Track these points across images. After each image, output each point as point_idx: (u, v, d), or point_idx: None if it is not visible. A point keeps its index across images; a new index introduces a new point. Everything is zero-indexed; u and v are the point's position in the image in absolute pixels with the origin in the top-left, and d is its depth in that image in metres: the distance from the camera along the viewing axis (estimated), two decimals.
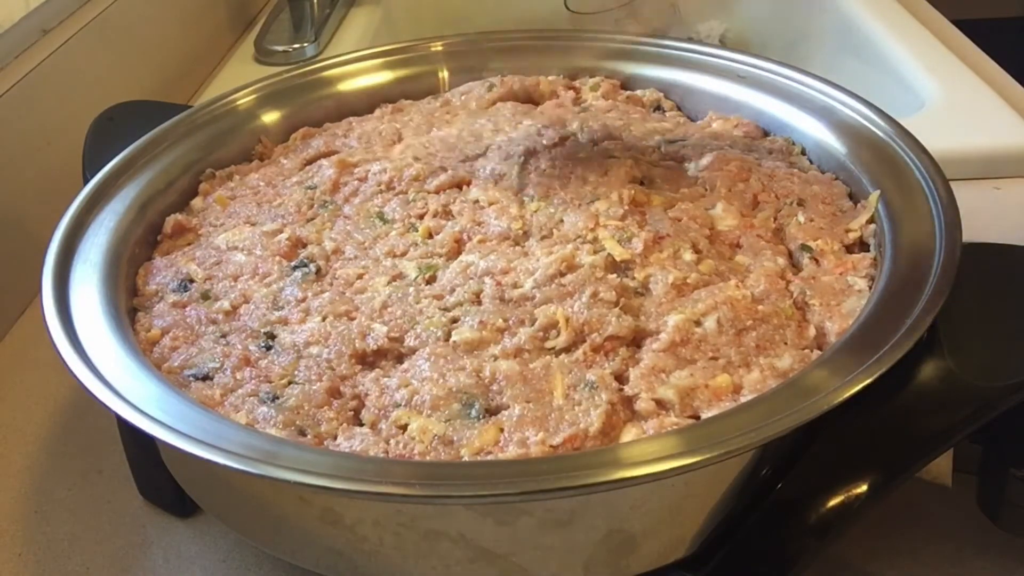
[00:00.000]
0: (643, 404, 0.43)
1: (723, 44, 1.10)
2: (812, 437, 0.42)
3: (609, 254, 0.50)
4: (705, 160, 0.59)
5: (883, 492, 0.41)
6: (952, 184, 0.50)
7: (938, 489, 0.47)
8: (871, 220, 0.53)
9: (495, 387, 0.44)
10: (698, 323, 0.47)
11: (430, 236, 0.54)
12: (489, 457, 0.41)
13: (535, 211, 0.56)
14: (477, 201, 0.57)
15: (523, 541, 0.40)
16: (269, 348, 0.48)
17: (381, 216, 0.56)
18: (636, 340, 0.47)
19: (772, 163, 0.59)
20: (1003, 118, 0.77)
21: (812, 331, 0.47)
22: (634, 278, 0.50)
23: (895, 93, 0.82)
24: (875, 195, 0.53)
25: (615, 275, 0.49)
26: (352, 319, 0.49)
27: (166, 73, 0.95)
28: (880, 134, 0.56)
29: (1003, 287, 0.48)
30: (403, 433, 0.43)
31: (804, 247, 0.52)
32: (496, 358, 0.46)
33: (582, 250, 0.51)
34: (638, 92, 0.69)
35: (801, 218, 0.54)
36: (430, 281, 0.51)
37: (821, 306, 0.48)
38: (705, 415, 0.43)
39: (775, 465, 0.43)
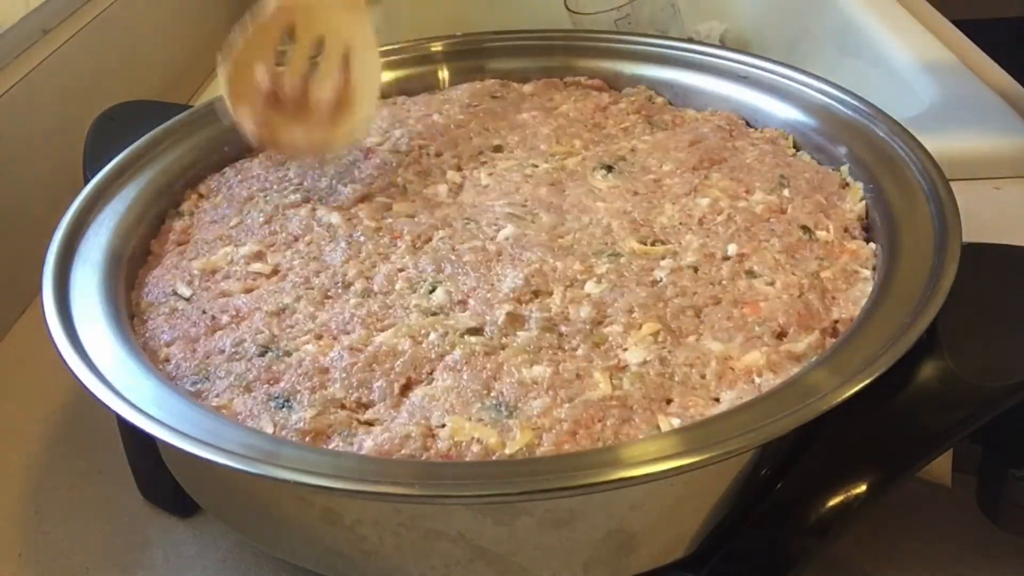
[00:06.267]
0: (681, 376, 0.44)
1: (723, 44, 1.10)
2: (812, 437, 0.42)
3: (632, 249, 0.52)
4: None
5: (883, 492, 0.41)
6: (952, 184, 0.50)
7: (938, 489, 0.47)
8: (862, 198, 0.54)
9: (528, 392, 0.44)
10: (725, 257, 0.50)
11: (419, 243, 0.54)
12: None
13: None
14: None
15: (523, 541, 0.40)
16: (274, 360, 0.47)
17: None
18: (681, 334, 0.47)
19: (759, 149, 0.60)
20: (1003, 118, 0.77)
21: (833, 313, 0.47)
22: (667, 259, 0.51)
23: (895, 93, 0.82)
24: (845, 170, 0.56)
25: (651, 283, 0.49)
26: (364, 339, 0.47)
27: (166, 73, 0.95)
28: (880, 134, 0.56)
29: (1003, 287, 0.48)
30: (440, 431, 0.42)
31: (804, 228, 0.52)
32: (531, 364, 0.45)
33: (602, 258, 0.51)
34: (627, 89, 0.69)
35: (795, 199, 0.55)
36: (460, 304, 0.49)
37: (831, 287, 0.49)
38: (724, 396, 0.43)
39: (775, 465, 0.43)
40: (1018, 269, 0.50)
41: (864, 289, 0.48)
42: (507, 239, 0.53)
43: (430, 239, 0.54)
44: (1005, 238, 0.51)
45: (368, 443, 0.42)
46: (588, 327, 0.47)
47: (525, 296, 0.49)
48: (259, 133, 0.57)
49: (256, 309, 0.50)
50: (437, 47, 0.73)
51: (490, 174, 0.59)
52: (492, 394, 0.43)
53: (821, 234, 0.52)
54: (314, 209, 0.57)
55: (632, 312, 0.47)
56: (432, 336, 0.47)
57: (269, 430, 0.43)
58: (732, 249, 0.51)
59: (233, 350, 0.48)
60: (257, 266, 0.53)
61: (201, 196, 0.61)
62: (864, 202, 0.54)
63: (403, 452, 0.41)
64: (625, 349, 0.45)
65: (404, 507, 0.39)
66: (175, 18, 0.99)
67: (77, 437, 0.59)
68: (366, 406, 0.44)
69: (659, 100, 0.68)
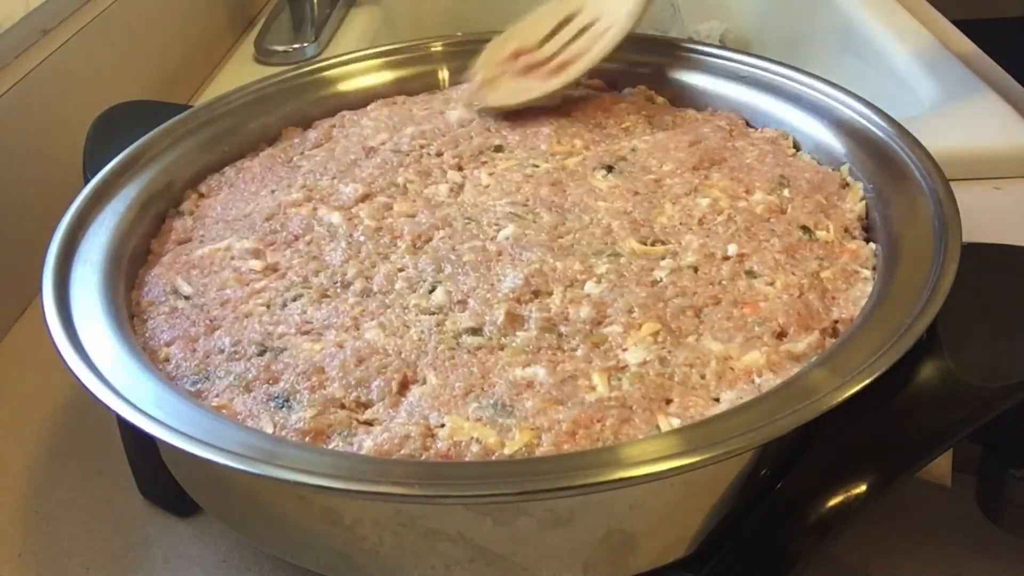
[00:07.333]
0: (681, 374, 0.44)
1: (723, 44, 1.10)
2: (812, 437, 0.42)
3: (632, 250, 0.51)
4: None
5: (883, 492, 0.41)
6: (952, 184, 0.50)
7: (938, 489, 0.47)
8: (863, 198, 0.54)
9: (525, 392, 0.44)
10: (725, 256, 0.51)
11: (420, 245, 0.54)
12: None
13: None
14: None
15: (523, 541, 0.40)
16: (273, 359, 0.47)
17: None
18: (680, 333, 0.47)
19: (759, 149, 0.60)
20: (1003, 118, 0.77)
21: (833, 313, 0.47)
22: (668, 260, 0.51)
23: (895, 93, 0.82)
24: (846, 169, 0.56)
25: (651, 283, 0.49)
26: (360, 338, 0.47)
27: (166, 73, 0.95)
28: (880, 134, 0.56)
29: (1003, 287, 0.48)
30: (439, 430, 0.42)
31: (804, 228, 0.52)
32: (530, 364, 0.45)
33: (602, 258, 0.51)
34: (627, 89, 0.69)
35: (795, 199, 0.55)
36: (460, 304, 0.49)
37: (831, 287, 0.48)
38: (724, 396, 0.43)
39: (775, 465, 0.43)
40: (1018, 269, 0.50)
41: (864, 289, 0.48)
42: (507, 239, 0.53)
43: (430, 239, 0.54)
44: (1005, 238, 0.51)
45: (368, 443, 0.42)
46: (588, 327, 0.47)
47: (525, 296, 0.49)
48: (481, 80, 0.65)
49: (255, 308, 0.50)
50: (437, 47, 0.73)
51: (491, 174, 0.59)
52: (491, 394, 0.43)
53: (821, 234, 0.52)
54: (315, 208, 0.57)
55: (632, 312, 0.47)
56: (431, 336, 0.47)
57: (269, 430, 0.43)
58: (732, 249, 0.51)
59: (233, 349, 0.48)
60: (257, 264, 0.53)
61: (202, 195, 0.61)
62: (864, 202, 0.54)
63: (402, 452, 0.41)
64: (625, 349, 0.45)
65: (404, 507, 0.39)
66: (175, 18, 0.99)
67: (77, 437, 0.59)
68: (365, 405, 0.44)
69: (659, 100, 0.68)
